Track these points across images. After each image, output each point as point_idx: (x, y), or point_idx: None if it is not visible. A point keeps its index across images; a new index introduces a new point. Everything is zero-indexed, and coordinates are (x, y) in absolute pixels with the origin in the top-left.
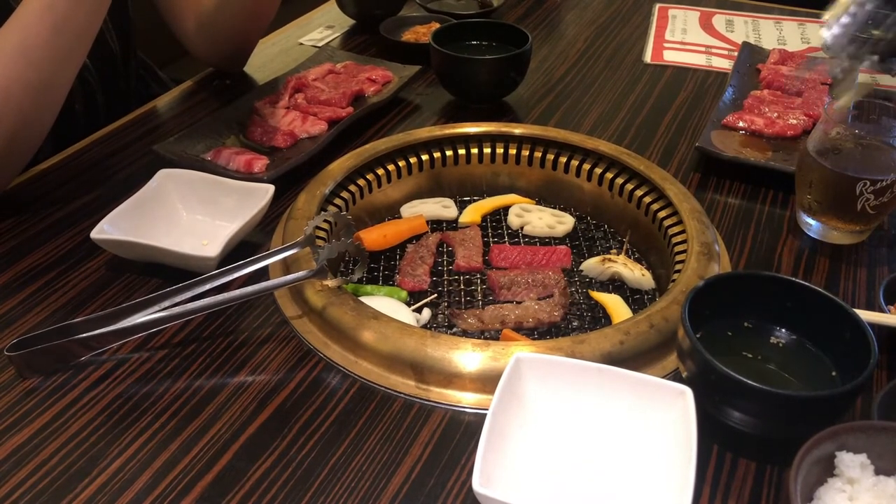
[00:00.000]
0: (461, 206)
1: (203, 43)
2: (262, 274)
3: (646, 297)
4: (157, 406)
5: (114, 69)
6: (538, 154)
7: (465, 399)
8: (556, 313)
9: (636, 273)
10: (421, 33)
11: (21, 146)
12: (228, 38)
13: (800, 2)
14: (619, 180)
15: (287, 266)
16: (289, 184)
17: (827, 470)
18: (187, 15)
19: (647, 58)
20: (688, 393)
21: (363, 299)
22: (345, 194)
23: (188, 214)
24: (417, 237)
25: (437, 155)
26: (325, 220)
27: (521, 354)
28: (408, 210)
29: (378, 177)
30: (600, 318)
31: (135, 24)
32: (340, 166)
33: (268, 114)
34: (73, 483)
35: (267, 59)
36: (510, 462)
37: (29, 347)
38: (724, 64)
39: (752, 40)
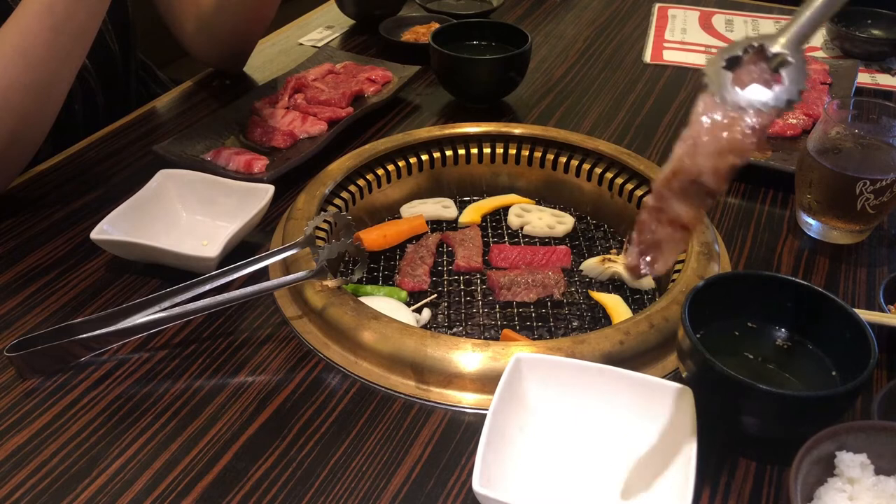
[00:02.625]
0: (461, 206)
1: (203, 43)
2: (262, 274)
3: (646, 297)
4: (157, 406)
5: (113, 69)
6: (538, 154)
7: (465, 399)
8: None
9: None
10: (421, 33)
11: (21, 147)
12: (228, 39)
13: (800, 2)
14: (619, 180)
15: (287, 266)
16: (288, 184)
17: (827, 470)
18: (187, 16)
19: (647, 58)
20: (688, 393)
21: (363, 299)
22: (345, 194)
23: (188, 215)
24: (417, 237)
25: (436, 155)
26: (325, 221)
27: (521, 355)
28: (408, 210)
29: (378, 177)
30: (600, 318)
31: (134, 24)
32: (340, 166)
33: (267, 114)
34: (74, 484)
35: (267, 59)
36: (510, 462)
37: (29, 348)
38: None
39: None
